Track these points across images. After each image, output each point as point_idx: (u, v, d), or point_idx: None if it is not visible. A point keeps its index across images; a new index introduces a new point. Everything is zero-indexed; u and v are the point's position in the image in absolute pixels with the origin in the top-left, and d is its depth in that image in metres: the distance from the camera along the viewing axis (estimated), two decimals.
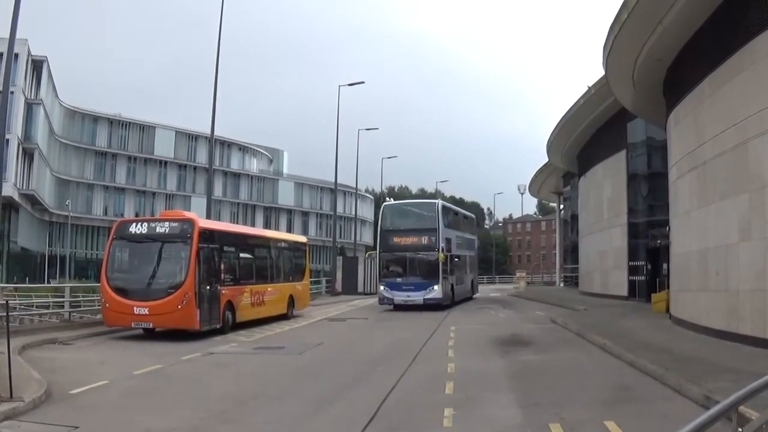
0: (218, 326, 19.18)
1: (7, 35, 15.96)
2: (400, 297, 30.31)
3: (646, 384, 11.21)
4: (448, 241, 31.98)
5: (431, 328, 21.72)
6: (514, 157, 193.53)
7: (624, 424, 8.06)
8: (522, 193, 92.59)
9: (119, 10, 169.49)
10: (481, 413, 9.13)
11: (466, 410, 9.22)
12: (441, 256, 30.22)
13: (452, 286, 32.70)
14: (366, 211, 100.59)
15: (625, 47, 20.21)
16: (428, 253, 30.49)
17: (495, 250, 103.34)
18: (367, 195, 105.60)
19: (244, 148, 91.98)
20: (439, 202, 33.77)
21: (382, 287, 31.06)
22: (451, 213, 36.52)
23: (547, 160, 50.19)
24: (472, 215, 46.89)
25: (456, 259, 34.25)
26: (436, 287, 30.03)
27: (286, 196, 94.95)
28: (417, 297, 30.03)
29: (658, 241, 28.22)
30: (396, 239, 31.34)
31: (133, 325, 18.38)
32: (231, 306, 20.18)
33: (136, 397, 10.54)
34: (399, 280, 30.73)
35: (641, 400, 9.99)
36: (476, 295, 42.02)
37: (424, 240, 30.76)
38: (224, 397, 10.31)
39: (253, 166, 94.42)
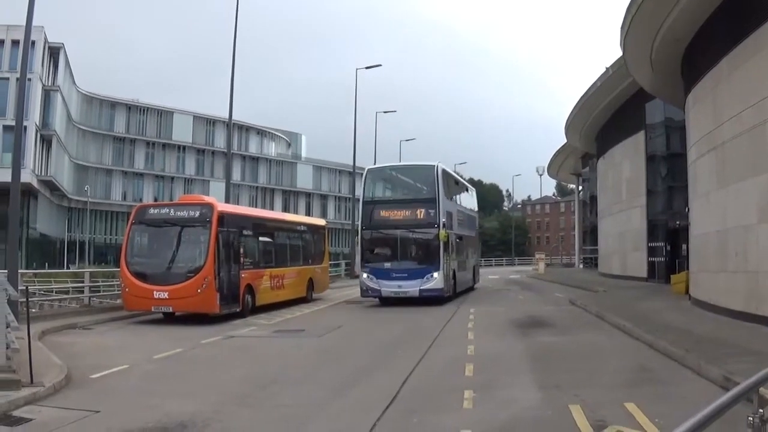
0: (238, 310, 19.31)
1: (23, 22, 15.99)
2: (388, 287, 23.90)
3: (665, 365, 11.18)
4: (449, 215, 25.41)
5: (450, 310, 21.70)
6: (532, 139, 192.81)
7: (644, 406, 8.02)
8: (540, 175, 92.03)
9: None
10: (501, 395, 9.12)
11: (486, 392, 9.22)
12: (442, 234, 23.72)
13: (454, 273, 26.15)
14: None
15: (643, 28, 19.95)
16: (425, 230, 24.14)
17: (514, 232, 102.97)
18: None
19: (262, 132, 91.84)
20: (439, 165, 25.21)
21: (364, 275, 24.26)
22: (452, 181, 29.17)
23: (565, 141, 49.91)
24: (473, 187, 38.56)
25: (458, 240, 27.49)
26: (435, 275, 23.59)
27: (304, 180, 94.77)
28: (411, 287, 23.62)
29: (678, 222, 28.00)
30: (383, 213, 24.75)
31: (153, 310, 18.49)
32: (250, 289, 20.31)
33: (157, 381, 10.64)
34: (387, 265, 24.19)
35: (661, 381, 9.95)
36: (478, 285, 34.04)
37: (420, 214, 24.21)
38: (244, 381, 10.39)
39: (272, 149, 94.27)
